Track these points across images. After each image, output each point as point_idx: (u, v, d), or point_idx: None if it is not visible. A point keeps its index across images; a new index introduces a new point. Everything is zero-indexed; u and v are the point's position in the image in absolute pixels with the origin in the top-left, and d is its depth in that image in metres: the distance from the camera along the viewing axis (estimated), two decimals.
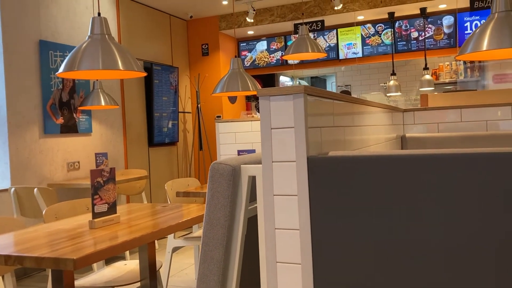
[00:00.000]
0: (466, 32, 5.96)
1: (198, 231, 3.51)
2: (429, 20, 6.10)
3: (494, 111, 3.23)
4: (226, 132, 3.99)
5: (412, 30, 6.19)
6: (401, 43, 6.25)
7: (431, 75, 7.26)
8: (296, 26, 6.09)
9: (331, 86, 9.38)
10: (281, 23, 6.36)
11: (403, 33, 6.24)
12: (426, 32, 6.11)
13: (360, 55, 6.49)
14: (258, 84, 3.70)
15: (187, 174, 6.52)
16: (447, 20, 6.04)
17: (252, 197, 1.58)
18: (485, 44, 2.13)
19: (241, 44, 7.16)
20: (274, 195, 1.41)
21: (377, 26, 6.37)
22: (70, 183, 4.26)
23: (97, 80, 4.41)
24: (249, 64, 7.13)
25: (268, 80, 7.88)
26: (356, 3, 5.91)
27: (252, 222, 1.59)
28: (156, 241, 4.82)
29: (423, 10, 5.95)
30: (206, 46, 6.65)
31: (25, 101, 4.14)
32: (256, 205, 1.62)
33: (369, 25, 6.41)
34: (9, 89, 4.00)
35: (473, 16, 5.98)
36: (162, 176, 5.99)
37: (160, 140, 5.90)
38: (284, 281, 1.40)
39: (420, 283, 1.30)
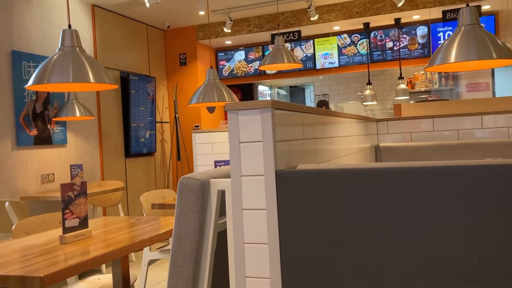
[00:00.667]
0: (439, 42, 6.09)
1: None
2: (403, 30, 6.22)
3: (465, 120, 3.30)
4: (203, 142, 3.98)
5: (387, 40, 6.30)
6: (377, 53, 6.35)
7: (407, 84, 7.39)
8: (273, 36, 6.13)
9: (310, 95, 9.45)
10: (258, 33, 6.40)
11: (378, 43, 6.34)
12: (401, 42, 6.22)
13: (336, 64, 6.57)
14: (234, 95, 3.71)
15: (165, 185, 6.46)
16: (421, 31, 6.16)
17: (222, 211, 1.57)
18: (452, 57, 2.18)
19: (219, 54, 7.18)
20: (243, 209, 1.41)
21: (353, 36, 6.46)
22: (44, 195, 4.18)
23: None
24: (227, 73, 7.14)
25: (247, 89, 7.90)
26: (332, 14, 5.99)
27: (223, 237, 1.59)
28: (133, 253, 4.76)
29: (397, 20, 6.06)
30: (184, 55, 6.64)
31: None
32: (226, 219, 1.61)
33: (345, 35, 6.50)
34: None
35: (446, 27, 6.12)
36: (140, 187, 5.93)
37: (137, 151, 5.84)
38: None
39: None
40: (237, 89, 7.79)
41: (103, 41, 5.47)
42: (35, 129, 4.40)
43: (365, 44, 6.39)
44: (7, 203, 3.41)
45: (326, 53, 6.63)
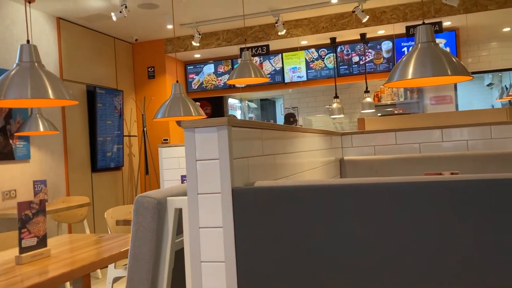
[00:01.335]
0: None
1: None
2: (369, 45, 6.36)
3: (426, 134, 3.39)
4: (169, 157, 3.95)
5: (353, 54, 6.43)
6: (343, 67, 6.47)
7: (373, 97, 7.54)
8: (242, 50, 6.18)
9: (280, 107, 9.53)
10: (227, 46, 6.43)
11: (345, 57, 6.47)
12: (367, 57, 6.36)
13: (304, 78, 6.65)
14: (201, 109, 3.71)
15: (133, 200, 6.37)
16: (386, 45, 6.32)
17: (180, 229, 1.56)
18: (410, 73, 2.25)
19: (188, 67, 7.17)
20: (200, 227, 1.41)
21: (320, 50, 6.57)
22: (5, 213, 4.06)
23: None
24: (196, 87, 7.13)
25: (217, 102, 7.90)
26: (299, 28, 6.08)
27: (182, 255, 1.57)
28: (99, 270, 4.65)
29: (363, 35, 6.20)
30: (152, 69, 6.60)
31: None
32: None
33: (312, 49, 6.60)
34: None
35: (410, 42, 6.30)
36: (107, 203, 5.82)
37: (104, 165, 5.75)
38: None
39: None
40: (207, 102, 7.79)
41: (69, 54, 5.39)
42: None
43: (332, 58, 6.50)
44: None
45: (295, 67, 6.71)
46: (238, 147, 1.48)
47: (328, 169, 3.08)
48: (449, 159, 3.10)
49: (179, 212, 1.49)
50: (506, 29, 6.58)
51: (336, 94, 6.56)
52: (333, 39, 6.33)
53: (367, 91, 6.39)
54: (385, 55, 6.33)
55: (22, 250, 2.10)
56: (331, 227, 1.34)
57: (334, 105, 6.39)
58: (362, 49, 6.36)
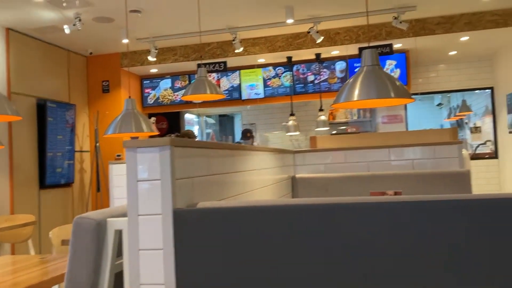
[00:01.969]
0: None
1: None
2: (323, 65, 6.52)
3: (375, 153, 3.49)
4: (121, 174, 3.87)
5: (309, 73, 6.57)
6: (299, 85, 6.59)
7: (329, 115, 7.70)
8: (199, 66, 6.18)
9: (239, 123, 9.56)
10: (185, 62, 6.42)
11: (301, 76, 6.59)
12: (321, 76, 6.51)
13: (262, 95, 6.72)
14: (154, 126, 3.67)
15: None
16: (340, 65, 6.50)
17: (121, 251, 1.53)
18: (355, 95, 2.32)
19: (145, 82, 7.09)
20: (139, 249, 1.38)
21: (277, 69, 6.67)
22: None
23: None
24: (152, 101, 7.06)
25: (173, 118, 7.84)
26: (256, 47, 6.16)
27: (122, 278, 1.54)
28: None
29: (318, 55, 6.35)
30: (107, 83, 6.49)
31: None
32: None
33: (269, 67, 6.69)
34: None
35: None
36: (55, 221, 5.61)
37: (54, 181, 5.55)
38: None
39: None
40: (163, 118, 7.71)
41: (19, 66, 5.21)
42: None
43: (288, 76, 6.61)
44: None
45: (252, 84, 6.77)
46: (181, 167, 1.47)
47: (280, 187, 3.11)
48: (395, 177, 3.20)
49: (120, 234, 1.46)
50: (453, 53, 6.92)
51: (292, 111, 6.66)
52: (289, 58, 6.45)
53: (321, 110, 6.52)
54: (339, 74, 6.50)
55: None
56: (279, 248, 1.35)
57: (290, 123, 6.48)
58: (317, 68, 6.51)
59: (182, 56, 6.40)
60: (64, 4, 4.53)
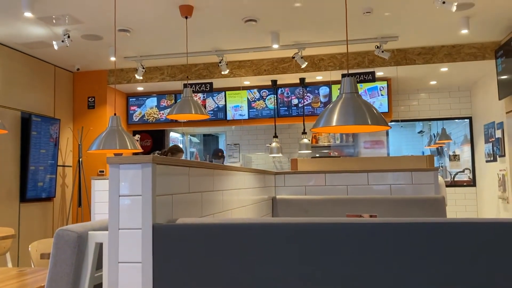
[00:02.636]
0: None
1: None
2: (307, 89, 6.67)
3: (354, 177, 3.58)
4: (102, 189, 3.89)
5: (293, 97, 6.70)
6: (283, 108, 6.72)
7: (312, 139, 7.83)
8: (185, 86, 6.28)
9: (223, 143, 9.64)
10: (171, 82, 6.51)
11: (285, 99, 6.73)
12: (305, 100, 6.65)
13: (246, 117, 6.83)
14: (138, 143, 3.71)
15: None
16: (323, 90, 6.65)
17: (101, 264, 1.57)
18: (334, 120, 2.42)
19: (131, 99, 7.15)
20: (119, 262, 1.43)
21: (262, 91, 6.80)
22: None
23: None
24: (138, 119, 7.10)
25: (158, 136, 7.88)
26: (242, 69, 6.28)
27: None
28: None
29: (302, 80, 6.50)
30: (93, 99, 6.53)
31: None
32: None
33: (254, 90, 6.82)
34: None
35: None
36: (35, 235, 5.55)
37: (34, 195, 5.52)
38: None
39: None
40: (148, 135, 7.75)
41: (4, 79, 5.24)
42: None
43: (273, 99, 6.74)
44: None
45: (237, 105, 6.88)
46: (162, 184, 1.53)
47: (260, 207, 3.17)
48: (372, 201, 3.29)
49: (100, 247, 1.51)
50: (433, 82, 7.14)
51: (275, 133, 6.76)
52: (274, 82, 6.59)
53: (304, 132, 6.64)
54: (322, 99, 6.64)
55: None
56: (248, 264, 1.40)
57: (273, 144, 6.58)
58: (301, 92, 6.65)
59: (169, 76, 6.49)
60: (54, 21, 4.60)
